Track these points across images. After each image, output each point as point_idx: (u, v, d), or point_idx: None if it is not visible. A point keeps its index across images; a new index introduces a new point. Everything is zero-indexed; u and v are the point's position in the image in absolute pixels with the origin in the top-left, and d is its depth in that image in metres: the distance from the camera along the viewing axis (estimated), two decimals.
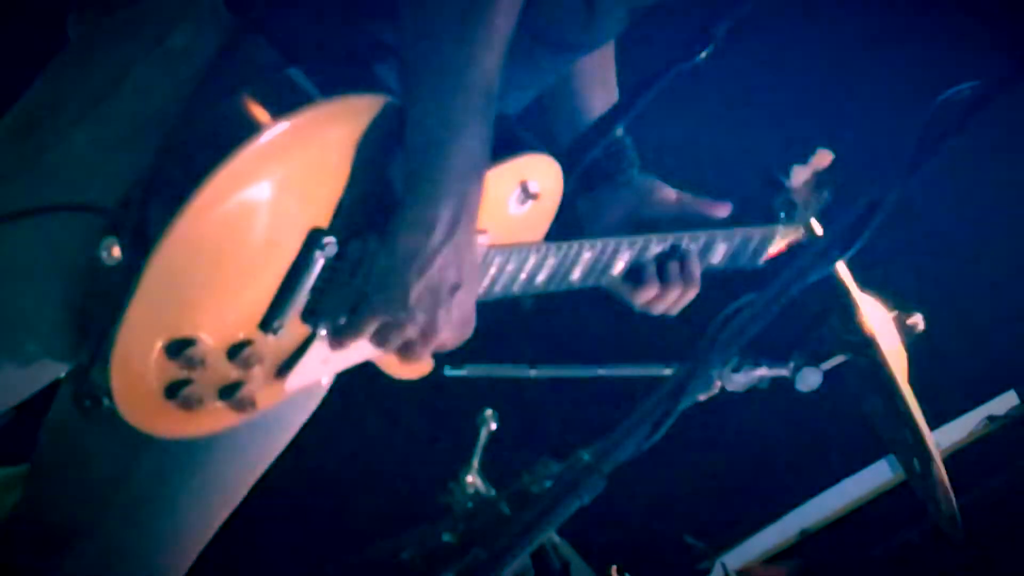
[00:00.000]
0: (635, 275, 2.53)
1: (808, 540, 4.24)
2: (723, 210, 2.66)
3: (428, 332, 2.12)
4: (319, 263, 2.07)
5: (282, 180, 1.99)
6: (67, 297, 2.08)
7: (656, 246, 2.51)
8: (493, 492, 1.84)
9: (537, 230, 2.36)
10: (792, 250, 2.64)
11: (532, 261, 2.35)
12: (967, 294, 4.17)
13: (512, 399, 2.31)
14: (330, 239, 2.06)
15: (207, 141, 1.96)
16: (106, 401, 2.04)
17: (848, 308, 2.96)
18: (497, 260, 2.29)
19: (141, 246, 1.95)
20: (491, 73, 2.03)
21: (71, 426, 2.46)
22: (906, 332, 2.95)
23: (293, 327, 2.13)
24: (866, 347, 2.88)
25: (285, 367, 2.18)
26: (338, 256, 2.09)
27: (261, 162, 1.95)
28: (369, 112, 2.04)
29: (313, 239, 2.05)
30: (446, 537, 1.59)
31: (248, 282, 2.05)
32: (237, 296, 2.06)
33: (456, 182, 2.04)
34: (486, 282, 2.30)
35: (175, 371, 2.06)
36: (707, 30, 2.53)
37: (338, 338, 2.15)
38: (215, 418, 2.16)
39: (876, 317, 2.91)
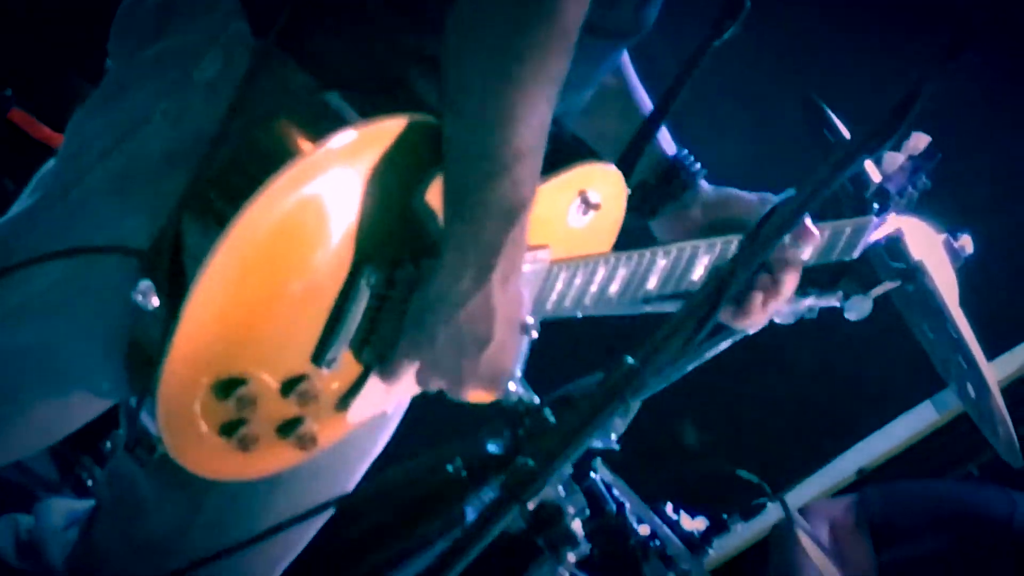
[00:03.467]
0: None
1: (866, 478, 4.24)
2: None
3: (453, 382, 2.06)
4: (364, 294, 2.00)
5: (323, 206, 1.92)
6: (108, 336, 2.02)
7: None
8: (536, 400, 1.82)
9: (604, 242, 2.27)
10: (829, 146, 2.57)
11: (602, 273, 2.25)
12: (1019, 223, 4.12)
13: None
14: (372, 268, 1.99)
15: (244, 169, 1.90)
16: (159, 448, 2.00)
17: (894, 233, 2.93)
18: (563, 275, 2.20)
19: (180, 282, 1.89)
20: (541, 116, 1.92)
21: (131, 475, 2.44)
22: (954, 255, 2.91)
23: (348, 361, 2.07)
24: (915, 272, 2.85)
25: (346, 400, 2.11)
26: (388, 284, 2.02)
27: (301, 188, 1.89)
28: (404, 133, 1.96)
29: (358, 268, 1.98)
30: (491, 447, 1.57)
31: (295, 316, 1.99)
32: (285, 331, 1.99)
33: (494, 231, 1.95)
34: (554, 297, 2.21)
35: (228, 411, 2.00)
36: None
37: (383, 373, 2.09)
38: (276, 457, 2.10)
39: (923, 241, 2.88)
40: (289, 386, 2.02)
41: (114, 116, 2.08)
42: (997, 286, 3.32)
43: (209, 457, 2.03)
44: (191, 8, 2.07)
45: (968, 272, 2.88)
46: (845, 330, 3.13)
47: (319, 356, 2.02)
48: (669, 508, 3.30)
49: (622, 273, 2.26)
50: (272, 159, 1.87)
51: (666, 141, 2.52)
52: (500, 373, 2.03)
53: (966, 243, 2.90)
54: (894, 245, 2.79)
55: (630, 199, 2.32)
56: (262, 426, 2.03)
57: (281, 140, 1.90)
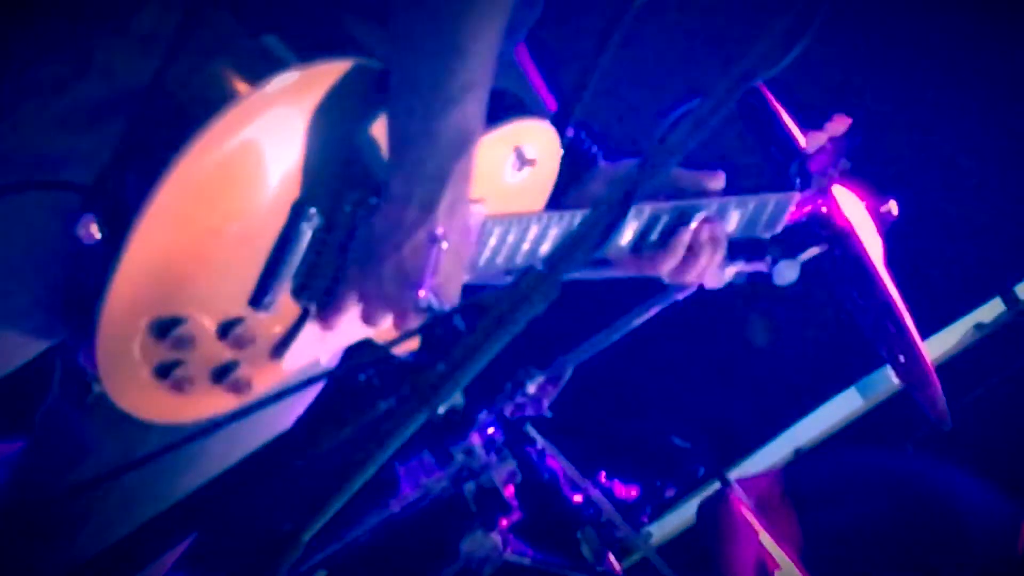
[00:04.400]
0: (651, 244, 2.40)
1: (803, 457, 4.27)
2: (718, 181, 2.51)
3: (401, 311, 2.07)
4: (306, 235, 2.02)
5: (261, 148, 1.95)
6: (47, 276, 2.03)
7: (665, 215, 2.38)
8: (447, 309, 1.84)
9: (538, 199, 2.29)
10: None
11: (534, 231, 2.25)
12: (947, 202, 4.17)
13: None
14: (313, 210, 2.00)
15: (183, 112, 1.93)
16: (95, 386, 2.00)
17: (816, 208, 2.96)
18: (497, 231, 2.20)
19: (121, 221, 1.91)
20: (490, 47, 1.96)
21: (65, 416, 2.42)
22: (881, 219, 2.95)
23: (286, 305, 2.08)
24: (841, 237, 2.88)
25: (281, 347, 2.12)
26: (326, 228, 2.04)
27: (239, 130, 1.92)
28: (346, 75, 1.99)
29: (298, 211, 2.00)
30: (403, 357, 1.59)
31: (234, 257, 2.01)
32: (224, 272, 2.01)
33: (441, 161, 1.98)
34: (487, 253, 2.21)
35: (164, 352, 2.01)
36: None
37: (324, 315, 2.10)
38: (210, 401, 2.10)
39: (849, 207, 2.91)
40: (226, 329, 2.04)
41: (50, 66, 2.09)
42: (926, 265, 3.35)
43: (144, 398, 2.04)
44: None
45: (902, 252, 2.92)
46: (784, 313, 3.18)
47: (257, 298, 2.03)
48: (603, 476, 3.32)
49: (553, 232, 2.27)
50: (210, 103, 1.90)
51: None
52: (447, 300, 2.04)
53: (891, 207, 2.95)
54: (820, 215, 2.82)
55: None
56: (198, 369, 2.04)
57: (219, 84, 1.93)
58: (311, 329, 2.11)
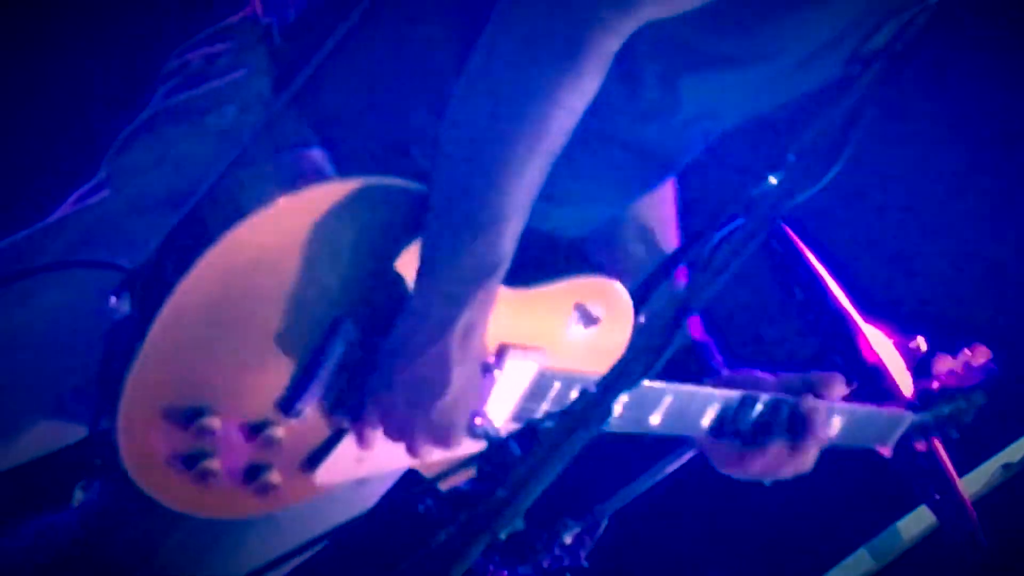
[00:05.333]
0: (733, 434, 2.35)
1: None
2: (839, 387, 2.42)
3: (405, 434, 2.07)
4: (339, 348, 2.02)
5: (293, 254, 1.98)
6: (87, 358, 2.06)
7: (759, 404, 2.32)
8: (502, 435, 1.85)
9: (604, 360, 2.16)
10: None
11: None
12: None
13: None
14: (350, 325, 2.02)
15: (220, 208, 1.98)
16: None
17: (851, 338, 2.98)
18: (556, 384, 2.18)
19: (150, 301, 1.95)
20: (526, 186, 1.96)
21: (107, 495, 2.43)
22: (910, 356, 2.96)
23: (320, 417, 2.08)
24: (873, 374, 2.89)
25: (315, 459, 2.12)
26: (364, 343, 2.04)
27: (267, 232, 1.96)
28: (387, 198, 2.02)
29: (337, 322, 2.02)
30: (463, 484, 1.60)
31: (262, 359, 2.02)
32: (251, 372, 2.03)
33: (461, 288, 1.99)
34: (544, 406, 2.18)
35: (188, 441, 2.03)
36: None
37: (356, 432, 2.10)
38: (235, 501, 2.11)
39: (878, 344, 2.94)
40: (255, 429, 2.05)
41: (136, 158, 2.19)
42: None
43: (163, 482, 2.05)
44: (224, 62, 2.18)
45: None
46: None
47: (287, 405, 2.04)
48: None
49: (624, 399, 2.25)
50: (246, 201, 1.96)
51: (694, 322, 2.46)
52: (452, 425, 2.04)
53: (919, 343, 2.94)
54: (850, 354, 2.85)
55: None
56: (224, 464, 2.05)
57: (258, 185, 1.99)
58: (348, 446, 2.11)
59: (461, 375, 2.02)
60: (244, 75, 2.16)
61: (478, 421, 1.98)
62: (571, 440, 1.48)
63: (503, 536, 1.50)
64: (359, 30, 2.09)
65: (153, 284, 1.98)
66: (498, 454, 1.66)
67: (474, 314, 1.99)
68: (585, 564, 3.06)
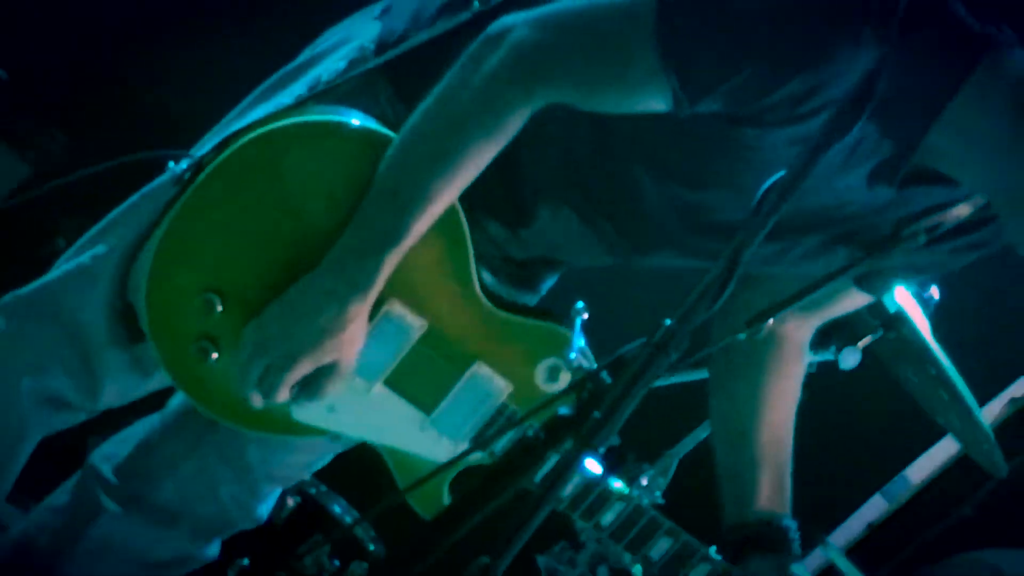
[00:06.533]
0: None
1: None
2: None
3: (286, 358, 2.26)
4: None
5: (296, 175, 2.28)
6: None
7: None
8: (595, 365, 2.06)
9: None
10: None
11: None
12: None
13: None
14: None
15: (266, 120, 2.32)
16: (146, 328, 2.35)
17: None
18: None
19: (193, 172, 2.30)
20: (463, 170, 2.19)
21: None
22: (924, 303, 3.22)
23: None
24: (896, 321, 3.14)
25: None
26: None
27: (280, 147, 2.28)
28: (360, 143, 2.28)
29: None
30: (562, 410, 1.78)
31: (262, 254, 2.29)
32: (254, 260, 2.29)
33: (368, 243, 2.20)
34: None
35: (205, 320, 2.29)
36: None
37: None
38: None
39: (898, 295, 3.15)
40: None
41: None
42: (959, 344, 3.51)
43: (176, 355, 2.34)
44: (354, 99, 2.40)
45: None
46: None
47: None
48: None
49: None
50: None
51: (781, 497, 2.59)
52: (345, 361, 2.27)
53: (932, 292, 3.23)
54: (874, 304, 3.02)
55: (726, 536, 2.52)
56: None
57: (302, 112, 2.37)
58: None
59: (341, 319, 2.22)
60: (382, 101, 2.39)
61: (573, 356, 2.16)
62: (652, 367, 1.70)
63: (602, 451, 1.70)
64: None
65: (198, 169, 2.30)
66: (592, 383, 1.78)
67: (370, 278, 2.20)
68: (661, 500, 3.35)
